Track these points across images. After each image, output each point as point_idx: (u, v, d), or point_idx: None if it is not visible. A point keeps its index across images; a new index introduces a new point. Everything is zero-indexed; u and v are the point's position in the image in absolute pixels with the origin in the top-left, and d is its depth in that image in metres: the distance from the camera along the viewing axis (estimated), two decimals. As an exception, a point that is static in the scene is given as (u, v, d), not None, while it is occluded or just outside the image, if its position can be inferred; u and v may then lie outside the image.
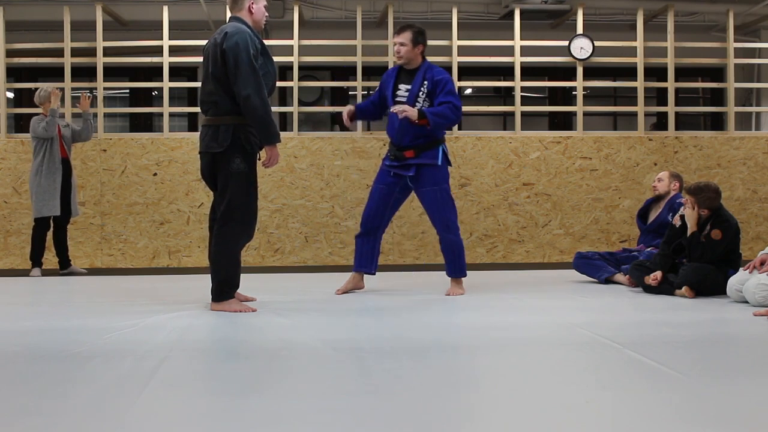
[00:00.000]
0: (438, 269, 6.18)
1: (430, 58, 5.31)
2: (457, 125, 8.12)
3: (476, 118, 9.88)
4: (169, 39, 7.97)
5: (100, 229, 7.79)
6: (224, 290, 4.44)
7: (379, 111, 5.40)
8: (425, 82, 5.08)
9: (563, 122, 9.87)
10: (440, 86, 5.06)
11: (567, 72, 8.97)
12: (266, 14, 4.64)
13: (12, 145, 7.80)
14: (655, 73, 8.89)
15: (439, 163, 5.17)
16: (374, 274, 5.38)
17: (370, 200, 5.32)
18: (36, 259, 6.89)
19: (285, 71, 9.62)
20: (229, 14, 5.00)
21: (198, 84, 8.60)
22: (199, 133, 4.65)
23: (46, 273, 6.88)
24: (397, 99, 5.17)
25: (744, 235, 6.26)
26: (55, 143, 6.80)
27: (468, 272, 5.29)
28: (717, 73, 9.91)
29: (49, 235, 7.01)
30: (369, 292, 5.33)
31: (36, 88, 7.16)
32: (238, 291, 4.68)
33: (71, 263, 7.12)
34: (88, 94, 7.18)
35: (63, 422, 2.19)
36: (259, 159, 4.51)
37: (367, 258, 5.30)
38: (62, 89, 7.29)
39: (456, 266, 5.26)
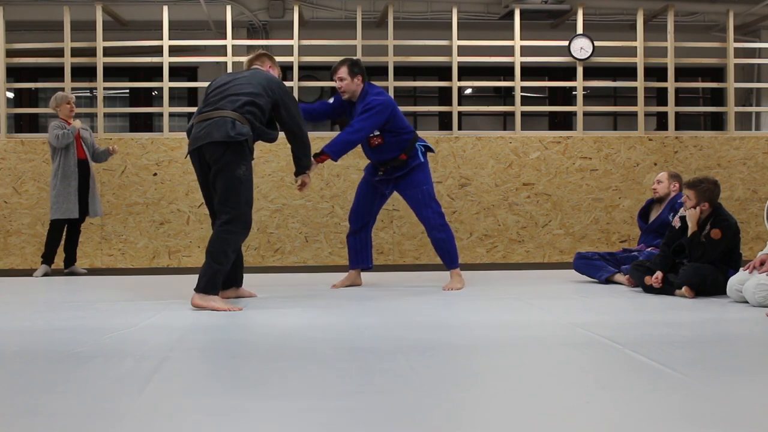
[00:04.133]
0: (438, 269, 6.18)
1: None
2: (457, 125, 8.14)
3: (476, 118, 9.88)
4: (169, 39, 7.98)
5: (100, 229, 7.79)
6: (216, 283, 4.45)
7: (329, 115, 5.58)
8: None
9: (563, 122, 9.87)
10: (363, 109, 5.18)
11: (567, 72, 8.97)
12: None
13: (12, 145, 7.81)
14: (655, 73, 8.89)
15: (423, 160, 5.34)
16: (372, 268, 5.63)
17: (357, 198, 5.54)
18: (48, 258, 6.95)
19: (285, 71, 9.58)
20: (241, 61, 5.23)
21: (198, 84, 8.64)
22: (200, 126, 4.57)
23: (48, 273, 6.89)
24: None
25: (744, 235, 6.26)
26: (71, 148, 6.86)
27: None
28: (717, 73, 9.92)
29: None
30: (369, 292, 5.34)
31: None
32: (242, 286, 4.97)
33: (75, 263, 7.14)
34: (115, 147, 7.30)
35: (63, 422, 2.19)
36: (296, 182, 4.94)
37: (362, 254, 5.53)
38: (83, 122, 7.38)
39: (447, 259, 5.48)
